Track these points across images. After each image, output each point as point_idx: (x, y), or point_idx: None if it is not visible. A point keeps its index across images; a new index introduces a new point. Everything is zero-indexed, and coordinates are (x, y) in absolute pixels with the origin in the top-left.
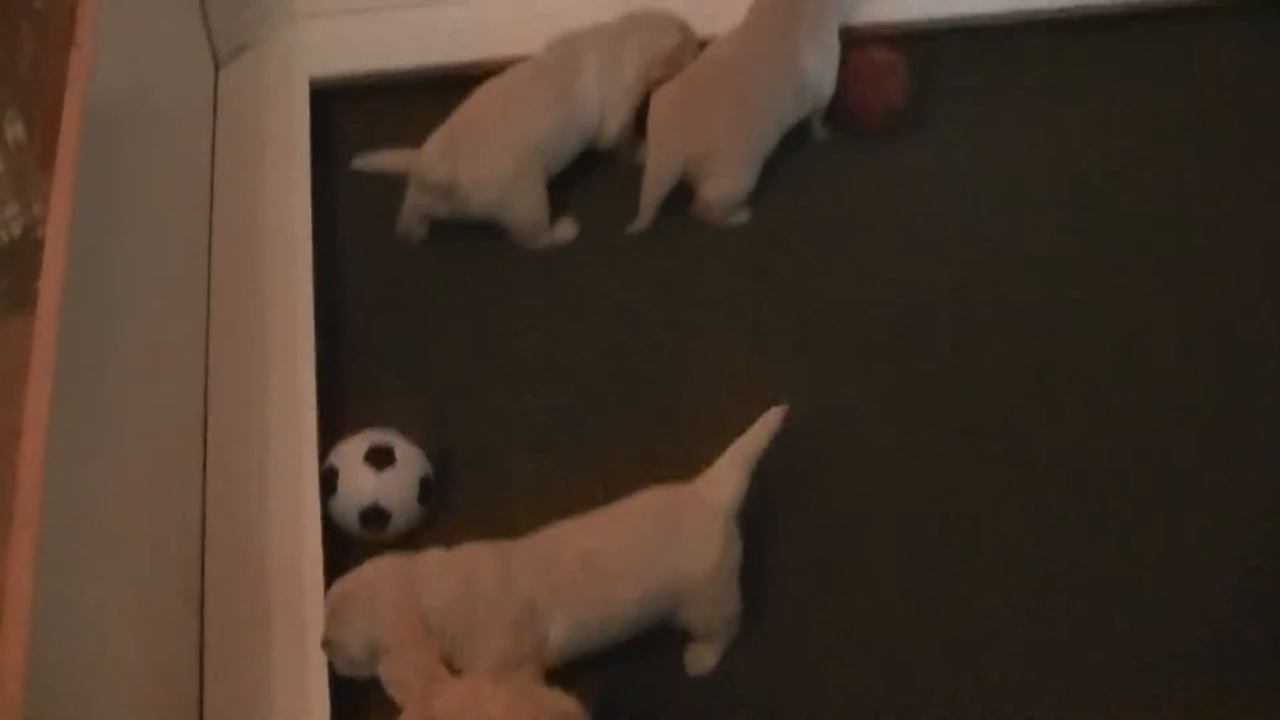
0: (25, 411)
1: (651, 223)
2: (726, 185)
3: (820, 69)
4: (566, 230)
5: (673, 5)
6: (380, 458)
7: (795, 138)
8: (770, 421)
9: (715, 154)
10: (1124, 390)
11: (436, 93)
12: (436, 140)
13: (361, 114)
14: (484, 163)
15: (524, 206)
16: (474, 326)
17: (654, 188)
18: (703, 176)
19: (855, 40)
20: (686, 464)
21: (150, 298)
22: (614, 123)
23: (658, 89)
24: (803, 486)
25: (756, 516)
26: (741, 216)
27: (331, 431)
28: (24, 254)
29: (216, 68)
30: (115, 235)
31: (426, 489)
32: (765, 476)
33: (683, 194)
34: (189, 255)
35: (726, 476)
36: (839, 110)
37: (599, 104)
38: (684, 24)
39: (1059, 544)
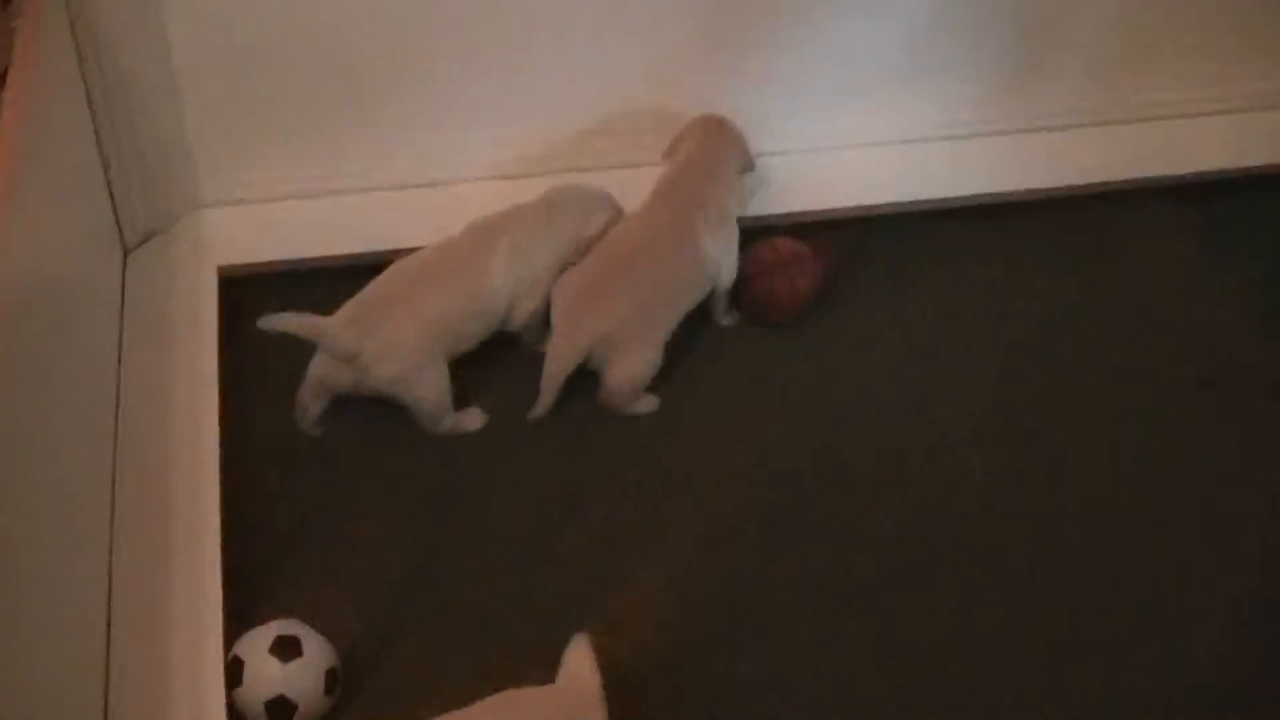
0: None
1: (550, 407)
2: (632, 366)
3: (719, 251)
4: (472, 420)
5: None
6: (287, 649)
7: (701, 323)
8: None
9: (619, 336)
10: (1056, 563)
11: (347, 281)
12: (346, 309)
13: (270, 302)
14: (387, 336)
15: (425, 386)
16: (385, 514)
17: (556, 371)
18: (608, 360)
19: (762, 231)
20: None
21: (55, 486)
22: (523, 310)
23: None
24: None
25: None
26: (648, 405)
27: (239, 621)
28: None
29: (125, 253)
30: (19, 424)
31: (333, 680)
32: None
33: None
34: (94, 441)
35: (587, 670)
36: (746, 300)
37: (509, 291)
38: (610, 200)
39: None
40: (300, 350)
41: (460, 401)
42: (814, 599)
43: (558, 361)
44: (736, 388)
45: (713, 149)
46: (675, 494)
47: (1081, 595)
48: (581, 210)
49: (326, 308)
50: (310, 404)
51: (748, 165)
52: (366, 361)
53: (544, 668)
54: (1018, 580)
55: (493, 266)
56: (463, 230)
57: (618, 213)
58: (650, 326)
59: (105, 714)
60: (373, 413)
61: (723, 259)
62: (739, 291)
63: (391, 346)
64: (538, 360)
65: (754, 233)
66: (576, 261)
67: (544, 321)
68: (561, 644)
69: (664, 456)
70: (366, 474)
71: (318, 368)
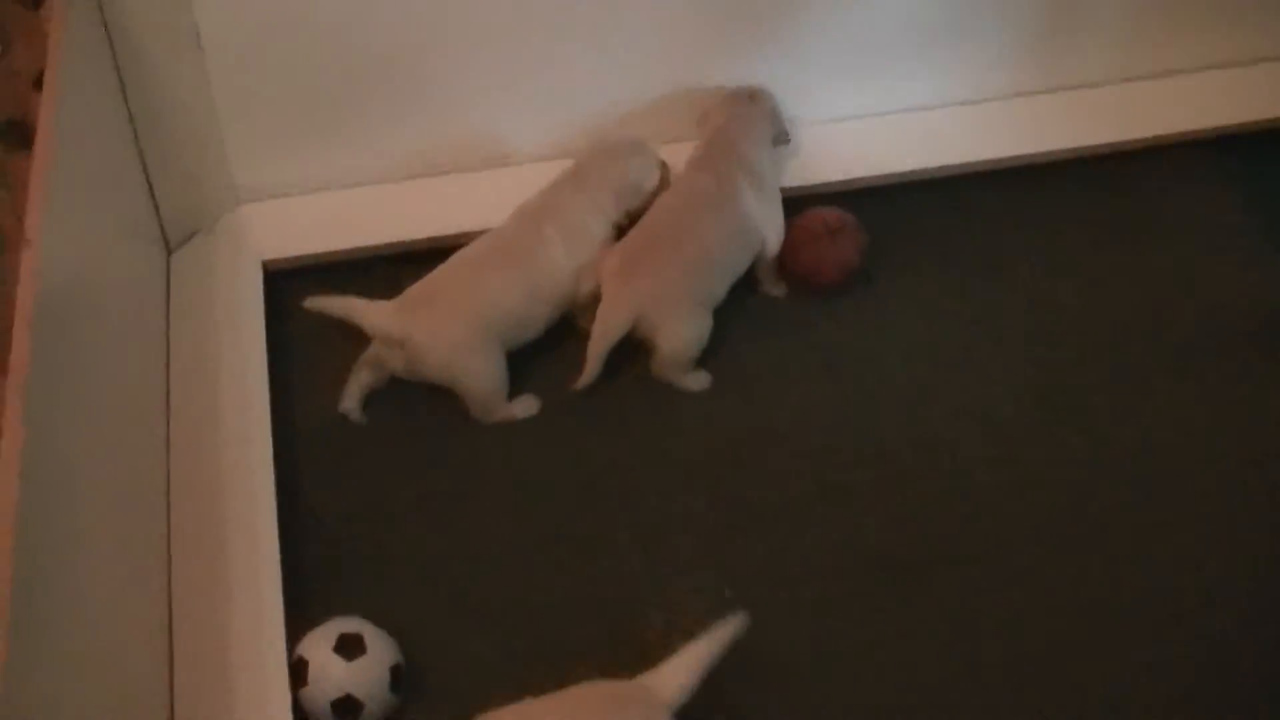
0: None
1: (595, 377)
2: (682, 333)
3: (764, 212)
4: (526, 407)
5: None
6: (350, 647)
7: (748, 292)
8: (728, 629)
9: (666, 303)
10: (1085, 551)
11: (389, 270)
12: (399, 298)
13: (315, 294)
14: (434, 324)
15: (474, 374)
16: (438, 505)
17: (601, 340)
18: (656, 327)
19: (800, 202)
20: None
21: (109, 489)
22: (586, 287)
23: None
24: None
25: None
26: (701, 382)
27: (299, 620)
28: None
29: (168, 253)
30: (72, 429)
31: (398, 677)
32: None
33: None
34: (146, 444)
35: (673, 676)
36: (792, 272)
37: (574, 270)
38: (640, 146)
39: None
40: (348, 342)
41: (514, 388)
42: (852, 575)
43: (603, 330)
44: (782, 359)
45: (746, 116)
46: (724, 467)
47: (1132, 559)
48: (610, 161)
49: (372, 296)
50: (358, 381)
51: (782, 135)
52: (414, 349)
53: (605, 658)
54: (1067, 546)
55: (551, 253)
56: (510, 216)
57: (651, 157)
58: (697, 292)
59: (171, 717)
60: (423, 400)
61: (768, 220)
62: (785, 261)
63: (438, 335)
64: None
65: (792, 204)
66: (636, 212)
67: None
68: (620, 634)
69: (712, 430)
70: (418, 464)
71: (373, 348)
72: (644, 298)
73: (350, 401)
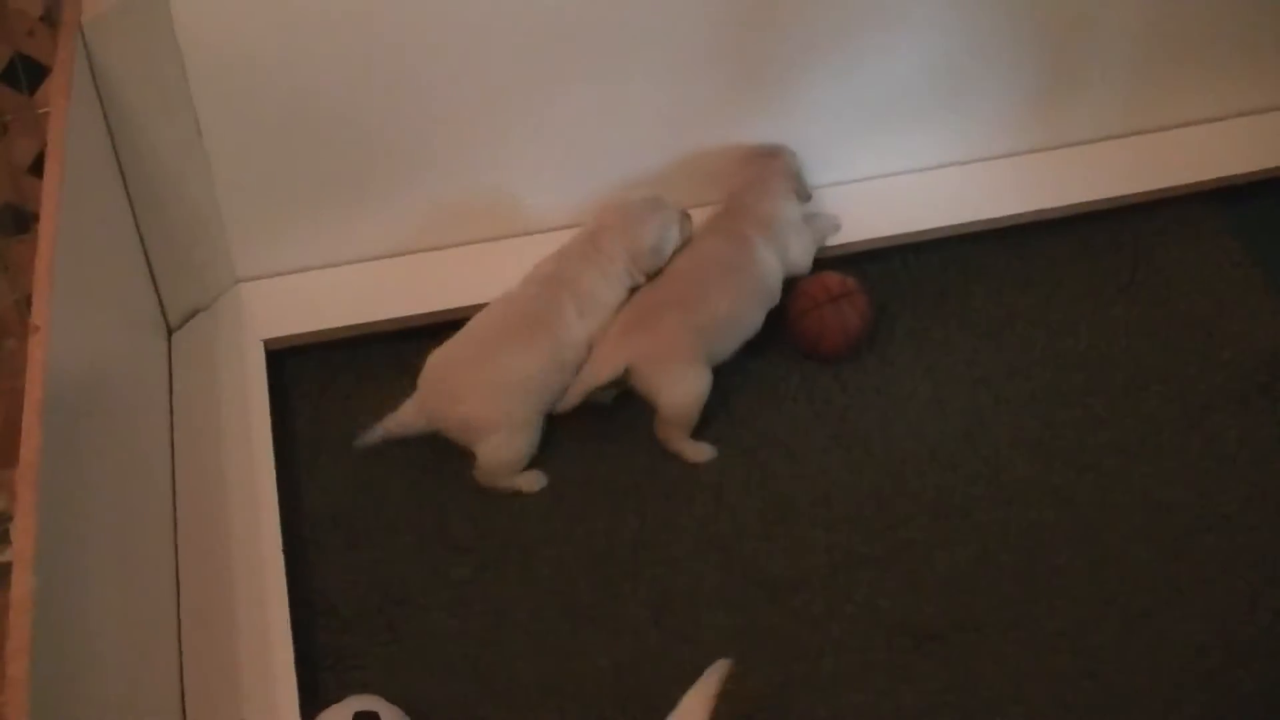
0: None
1: (572, 408)
2: (680, 388)
3: (786, 260)
4: (532, 481)
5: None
6: None
7: (754, 357)
8: (714, 675)
9: (663, 358)
10: (1105, 614)
11: (392, 346)
12: (420, 390)
13: (320, 371)
14: (469, 405)
15: (514, 447)
16: (451, 585)
17: (586, 380)
18: (654, 382)
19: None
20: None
21: (118, 580)
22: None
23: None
24: None
25: None
26: (705, 454)
27: (309, 701)
28: None
29: (169, 333)
30: (82, 518)
31: None
32: None
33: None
34: (154, 530)
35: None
36: (796, 341)
37: (588, 338)
38: (657, 202)
39: None
40: (354, 420)
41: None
42: (885, 641)
43: (591, 372)
44: (793, 425)
45: (764, 174)
46: (738, 538)
47: (1152, 620)
48: (623, 226)
49: (375, 372)
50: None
51: (803, 191)
52: (450, 428)
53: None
54: (1087, 609)
55: (567, 321)
56: (523, 281)
57: (670, 215)
58: (699, 350)
59: None
60: (430, 478)
61: (797, 260)
62: (789, 330)
63: (473, 415)
64: (600, 411)
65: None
66: (652, 275)
67: None
68: (638, 711)
69: (724, 501)
70: (429, 544)
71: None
72: (639, 351)
73: (367, 440)
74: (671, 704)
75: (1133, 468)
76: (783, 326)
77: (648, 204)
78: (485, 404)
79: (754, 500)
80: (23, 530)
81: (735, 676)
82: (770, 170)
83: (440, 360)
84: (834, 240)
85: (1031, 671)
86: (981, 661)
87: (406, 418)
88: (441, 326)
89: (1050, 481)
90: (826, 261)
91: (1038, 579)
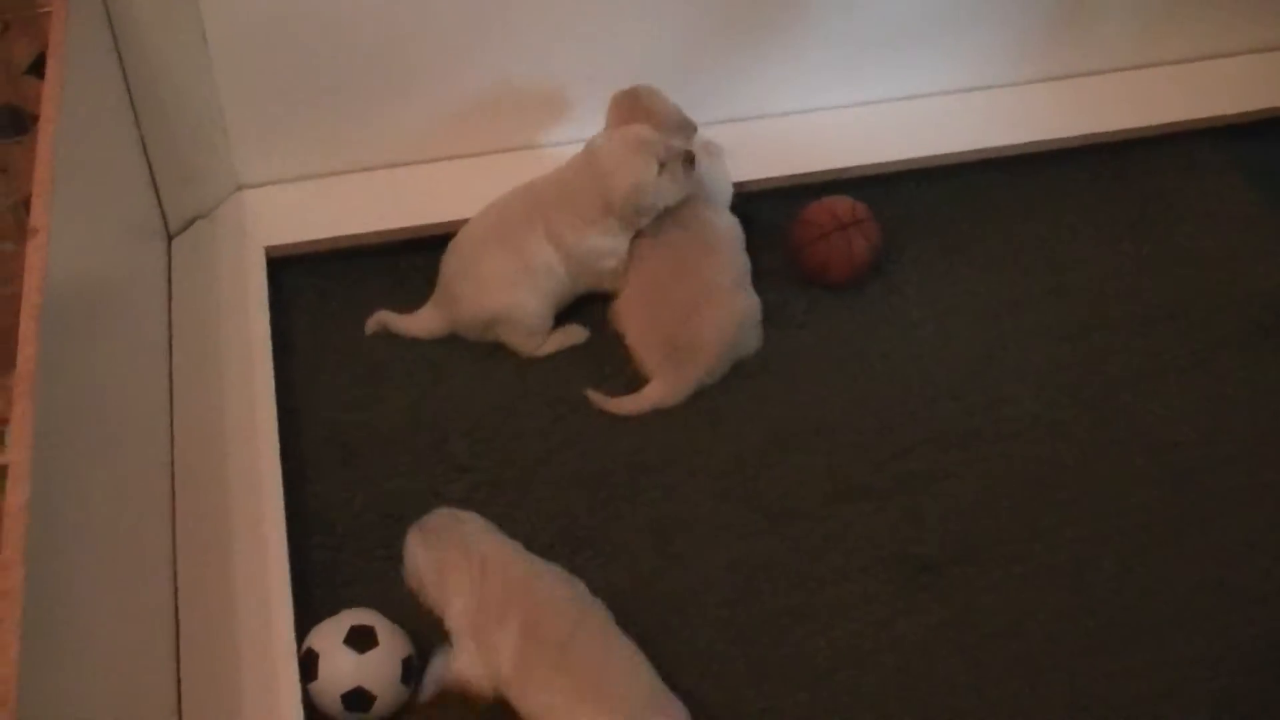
0: None
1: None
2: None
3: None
4: (575, 334)
5: None
6: (362, 639)
7: (761, 286)
8: None
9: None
10: (1109, 547)
11: (391, 257)
12: (434, 298)
13: (317, 280)
14: (473, 287)
15: (519, 309)
16: (447, 499)
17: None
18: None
19: (808, 190)
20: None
21: (113, 482)
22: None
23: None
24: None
25: None
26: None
27: (305, 615)
28: None
29: (169, 239)
30: (78, 423)
31: (409, 669)
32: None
33: None
34: (151, 436)
35: None
36: (800, 269)
37: (566, 277)
38: (648, 148)
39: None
40: (354, 331)
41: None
42: (884, 573)
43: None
44: (795, 355)
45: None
46: (738, 465)
47: (1151, 559)
48: (601, 168)
49: (376, 283)
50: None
51: (687, 123)
52: (462, 322)
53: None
54: (1086, 545)
55: (534, 248)
56: (517, 193)
57: (651, 156)
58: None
59: (178, 712)
60: (432, 390)
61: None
62: (793, 258)
63: (481, 282)
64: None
65: (802, 192)
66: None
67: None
68: (628, 628)
69: (723, 428)
70: (427, 457)
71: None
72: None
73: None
74: (668, 630)
75: (1136, 405)
76: (788, 253)
77: (629, 146)
78: (492, 297)
79: (755, 427)
80: (18, 438)
81: (731, 604)
82: (641, 116)
83: (454, 259)
84: (842, 163)
85: (1029, 607)
86: (980, 595)
87: (426, 321)
88: (444, 239)
89: (1053, 416)
90: (835, 186)
91: (1038, 514)
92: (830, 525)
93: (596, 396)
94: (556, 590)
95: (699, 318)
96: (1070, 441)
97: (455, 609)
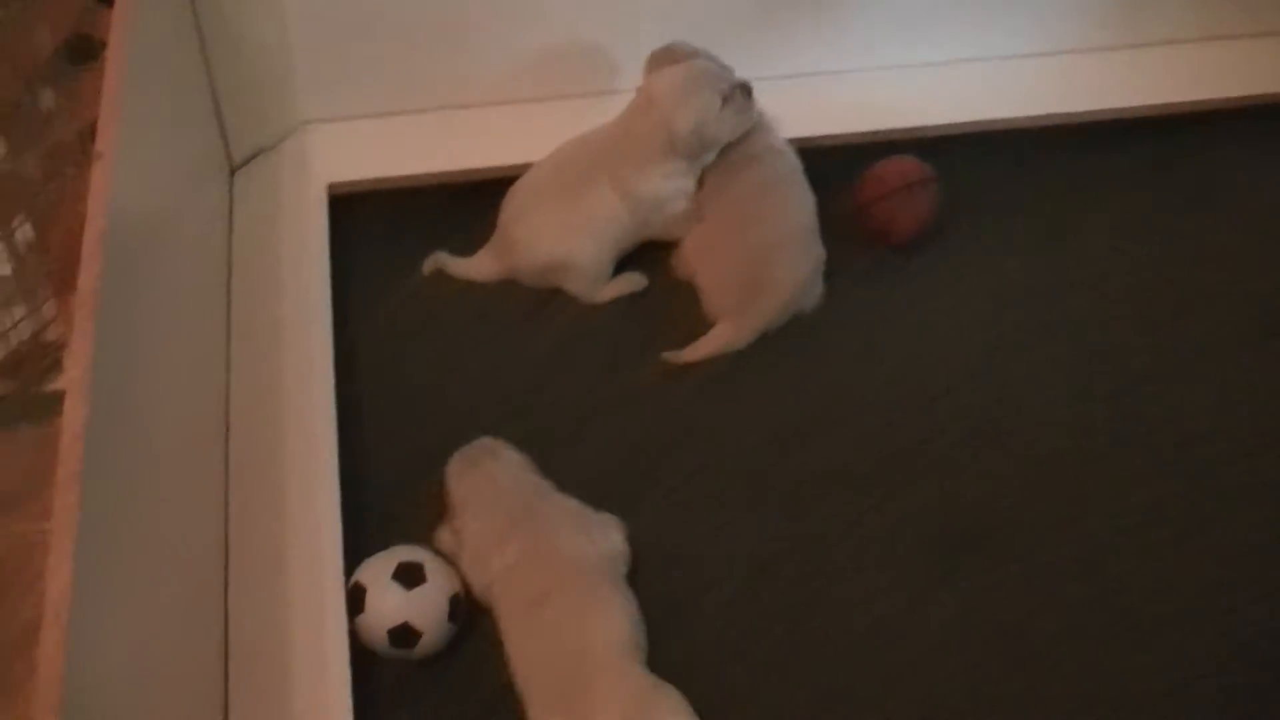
0: (53, 520)
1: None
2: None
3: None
4: (634, 281)
5: None
6: (410, 575)
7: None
8: None
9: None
10: (1134, 538)
11: (452, 199)
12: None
13: (379, 219)
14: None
15: (583, 254)
16: (497, 436)
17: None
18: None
19: (876, 149)
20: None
21: (168, 408)
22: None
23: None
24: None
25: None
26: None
27: (355, 551)
28: (31, 359)
29: (231, 171)
30: (137, 350)
31: (457, 606)
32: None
33: None
34: (208, 365)
35: None
36: (864, 225)
37: (632, 225)
38: (709, 82)
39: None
40: (412, 269)
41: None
42: (923, 545)
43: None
44: (847, 315)
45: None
46: (779, 434)
47: (1172, 551)
48: (662, 104)
49: (437, 223)
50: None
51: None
52: (521, 265)
53: (653, 608)
54: (1108, 537)
55: (600, 197)
56: (573, 144)
57: (714, 91)
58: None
59: (225, 641)
60: (485, 336)
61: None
62: (858, 214)
63: (539, 228)
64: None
65: (865, 151)
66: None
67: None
68: (658, 588)
69: (771, 392)
70: (485, 397)
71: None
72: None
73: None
74: (690, 601)
75: (1176, 391)
76: (850, 212)
77: (691, 81)
78: (549, 244)
79: (804, 391)
80: (77, 358)
81: (751, 583)
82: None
83: (512, 205)
84: (905, 123)
85: (1049, 598)
86: (999, 586)
87: (483, 265)
88: (505, 183)
89: (1079, 407)
90: (896, 145)
91: (1058, 505)
92: (850, 510)
93: (670, 355)
94: (560, 542)
95: (778, 255)
96: (1093, 433)
97: (470, 531)
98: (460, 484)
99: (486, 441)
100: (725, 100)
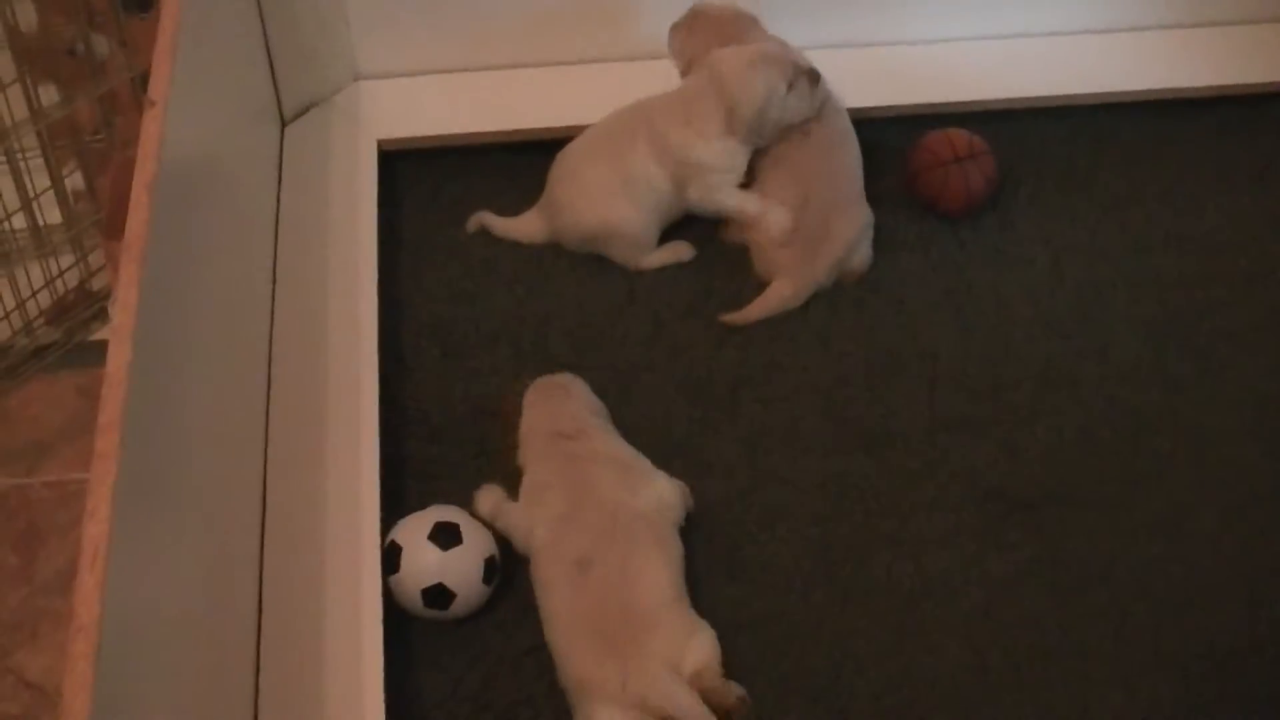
0: (93, 464)
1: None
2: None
3: None
4: (680, 251)
5: None
6: (446, 536)
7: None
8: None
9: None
10: (1201, 503)
11: (506, 156)
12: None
13: (428, 176)
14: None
15: (624, 220)
16: None
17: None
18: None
19: (934, 120)
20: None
21: (213, 357)
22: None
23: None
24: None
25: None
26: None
27: (394, 507)
28: (77, 306)
29: (283, 124)
30: (181, 295)
31: (492, 569)
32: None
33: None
34: (252, 318)
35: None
36: (917, 192)
37: (676, 199)
38: (774, 63)
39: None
40: (461, 229)
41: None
42: (976, 506)
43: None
44: (905, 278)
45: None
46: (840, 385)
47: (1248, 515)
48: (725, 83)
49: (486, 182)
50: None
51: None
52: (566, 231)
53: (699, 563)
54: (1183, 497)
55: (634, 157)
56: (629, 105)
57: (778, 71)
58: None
59: (260, 594)
60: (531, 292)
61: None
62: (909, 183)
63: (585, 192)
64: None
65: (922, 122)
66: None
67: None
68: (717, 543)
69: (829, 348)
70: (526, 355)
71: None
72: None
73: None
74: (756, 544)
75: (1244, 360)
76: (904, 179)
77: (759, 63)
78: (594, 208)
79: (859, 349)
80: (124, 303)
81: (821, 522)
82: (742, 23)
83: (561, 167)
84: (965, 96)
85: (1121, 554)
86: (1071, 538)
87: (528, 225)
88: (557, 144)
89: (1160, 364)
90: (955, 118)
91: (1138, 461)
92: (927, 454)
93: (729, 316)
94: (604, 494)
95: (837, 212)
96: (1174, 391)
97: (526, 476)
98: (530, 413)
99: (565, 377)
100: (790, 86)
